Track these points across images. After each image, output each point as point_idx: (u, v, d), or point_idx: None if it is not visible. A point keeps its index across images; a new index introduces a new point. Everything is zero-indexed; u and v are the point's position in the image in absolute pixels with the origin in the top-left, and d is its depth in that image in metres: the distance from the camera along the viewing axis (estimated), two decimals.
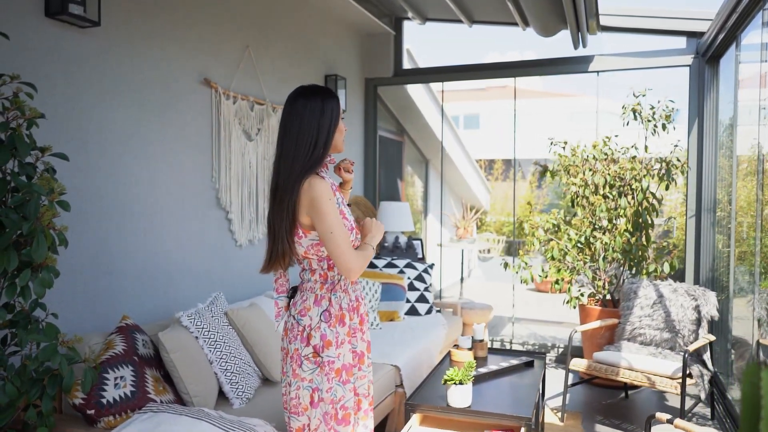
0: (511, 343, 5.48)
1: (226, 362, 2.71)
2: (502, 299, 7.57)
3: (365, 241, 2.02)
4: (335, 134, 2.04)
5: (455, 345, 3.64)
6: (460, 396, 2.69)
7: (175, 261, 3.25)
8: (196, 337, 2.65)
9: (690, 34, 4.76)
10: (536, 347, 5.34)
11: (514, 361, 3.38)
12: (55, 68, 2.55)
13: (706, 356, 3.68)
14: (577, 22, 4.41)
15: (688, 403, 4.09)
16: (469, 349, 3.52)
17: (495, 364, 3.37)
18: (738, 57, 3.87)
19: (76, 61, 2.64)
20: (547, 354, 5.25)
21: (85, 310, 2.69)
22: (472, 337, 3.59)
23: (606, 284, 4.63)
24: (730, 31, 3.78)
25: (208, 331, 2.70)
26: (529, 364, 3.43)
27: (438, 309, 4.84)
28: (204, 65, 3.48)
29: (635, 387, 4.36)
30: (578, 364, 3.80)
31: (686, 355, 3.32)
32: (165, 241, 3.18)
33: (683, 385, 3.32)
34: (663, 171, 4.52)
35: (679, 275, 4.83)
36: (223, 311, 2.97)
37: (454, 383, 2.69)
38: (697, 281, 4.69)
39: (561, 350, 5.25)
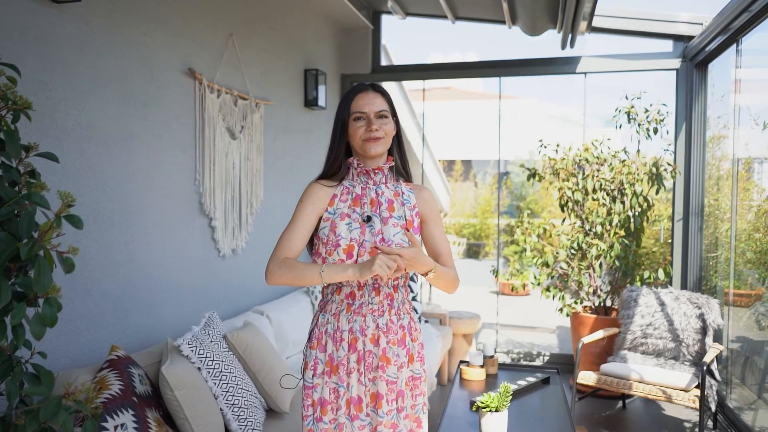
0: (495, 352, 5.28)
1: (233, 395, 2.34)
2: (469, 303, 7.41)
3: (327, 266, 1.70)
4: (346, 139, 1.86)
5: (465, 362, 3.40)
6: (496, 425, 2.44)
7: (158, 275, 2.84)
8: (199, 368, 2.28)
9: (677, 38, 4.72)
10: (521, 356, 5.18)
11: (532, 379, 3.17)
12: (27, 49, 2.11)
13: (713, 366, 3.60)
14: (573, 22, 4.26)
15: (691, 414, 4.02)
16: (481, 366, 3.29)
17: (510, 382, 3.15)
18: (738, 61, 3.82)
19: (52, 43, 2.21)
20: (531, 362, 5.11)
21: (60, 339, 2.25)
22: (483, 352, 3.35)
23: (598, 291, 4.51)
24: (733, 34, 3.71)
25: (212, 360, 2.33)
26: (546, 381, 3.23)
27: (426, 319, 4.58)
28: (188, 53, 3.08)
29: (630, 396, 4.26)
30: (587, 377, 3.63)
31: (704, 368, 3.21)
32: (148, 253, 2.77)
33: (702, 399, 3.21)
34: (654, 175, 4.45)
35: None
36: (221, 334, 2.60)
37: (490, 410, 2.44)
38: (684, 287, 4.65)
39: (547, 358, 5.11)
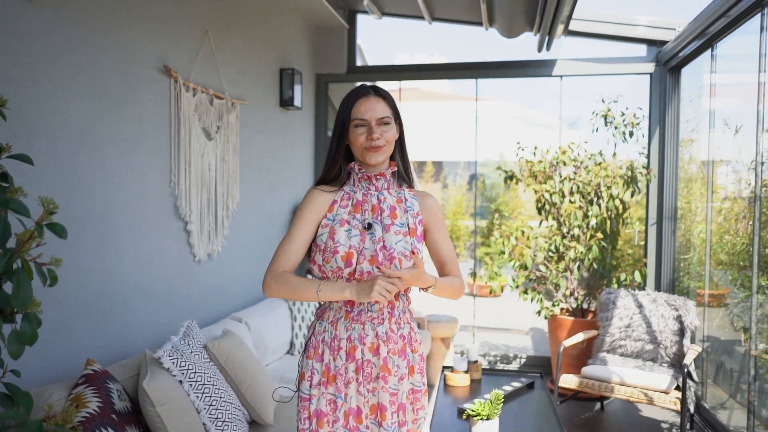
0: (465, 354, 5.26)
1: (216, 409, 2.24)
2: (444, 306, 7.37)
3: (324, 284, 1.65)
4: (345, 146, 1.78)
5: (448, 367, 3.35)
6: None
7: (132, 282, 2.70)
8: (180, 382, 2.17)
9: (650, 42, 4.78)
10: (498, 358, 5.16)
11: (517, 384, 3.14)
12: None
13: (692, 368, 3.64)
14: (552, 24, 4.26)
15: (668, 414, 4.06)
16: (465, 372, 3.24)
17: (496, 387, 3.11)
18: (713, 66, 3.87)
19: (22, 36, 2.06)
20: (508, 364, 5.10)
21: (30, 352, 2.09)
22: (467, 358, 3.31)
23: (575, 293, 4.53)
24: (709, 39, 3.76)
25: (194, 372, 2.22)
26: (530, 385, 3.21)
27: None
28: (163, 50, 2.95)
29: (606, 397, 4.29)
30: (568, 380, 3.63)
31: (685, 370, 3.24)
32: (122, 259, 2.63)
33: (683, 400, 3.24)
34: (629, 178, 4.49)
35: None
36: (201, 344, 2.48)
37: (481, 419, 2.39)
38: (658, 289, 4.70)
39: (524, 360, 5.11)
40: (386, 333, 1.70)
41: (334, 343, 1.70)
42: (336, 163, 1.76)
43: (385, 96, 1.76)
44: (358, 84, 1.81)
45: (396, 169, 1.80)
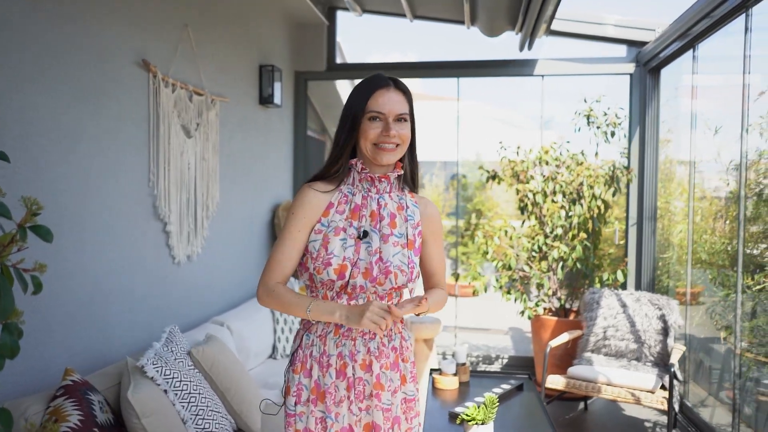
0: (453, 356, 5.22)
1: (203, 419, 2.13)
2: None
3: (315, 304, 1.54)
4: (356, 138, 1.61)
5: (437, 370, 3.29)
6: None
7: (110, 285, 2.57)
8: (165, 391, 2.06)
9: (630, 43, 4.81)
10: (480, 359, 5.14)
11: (507, 386, 3.10)
12: None
13: (676, 367, 3.65)
14: (534, 24, 4.24)
15: (651, 413, 4.07)
16: (454, 375, 3.19)
17: (485, 390, 3.06)
18: (694, 67, 3.90)
19: None
20: (490, 365, 5.08)
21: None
22: (455, 360, 3.26)
23: (558, 292, 4.52)
24: (691, 40, 3.79)
25: (179, 381, 2.11)
26: (519, 388, 3.17)
27: None
28: (142, 43, 2.82)
29: (590, 397, 4.29)
30: (555, 381, 3.61)
31: (672, 370, 3.24)
32: (99, 263, 2.50)
33: (670, 400, 3.24)
34: (611, 178, 4.50)
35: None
36: (185, 350, 2.37)
37: (476, 423, 2.34)
38: (638, 288, 4.73)
39: (506, 361, 5.09)
40: (378, 348, 1.60)
41: (323, 359, 1.58)
42: (341, 159, 1.62)
43: (405, 90, 1.63)
44: (373, 74, 1.64)
45: (402, 172, 1.65)
